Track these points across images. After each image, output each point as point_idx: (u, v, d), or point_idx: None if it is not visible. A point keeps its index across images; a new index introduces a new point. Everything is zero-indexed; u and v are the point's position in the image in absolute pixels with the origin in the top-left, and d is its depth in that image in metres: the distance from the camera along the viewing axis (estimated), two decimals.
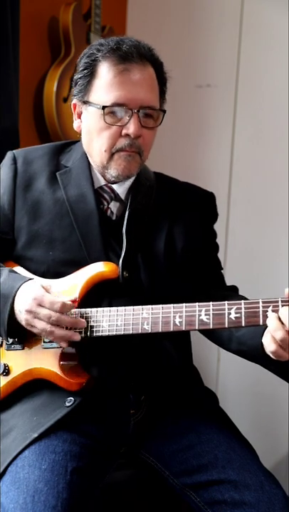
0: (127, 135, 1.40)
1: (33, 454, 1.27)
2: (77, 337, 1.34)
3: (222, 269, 1.63)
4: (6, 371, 1.43)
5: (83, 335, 1.36)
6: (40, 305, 1.33)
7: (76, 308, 1.39)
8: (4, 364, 1.43)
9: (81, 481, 1.26)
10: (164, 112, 1.45)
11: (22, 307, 1.34)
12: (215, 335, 1.50)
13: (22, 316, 1.35)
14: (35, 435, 1.29)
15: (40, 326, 1.33)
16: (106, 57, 1.40)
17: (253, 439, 1.49)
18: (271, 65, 2.57)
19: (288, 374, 1.36)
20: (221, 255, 1.66)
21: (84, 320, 1.35)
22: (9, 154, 1.53)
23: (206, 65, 2.67)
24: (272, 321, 1.21)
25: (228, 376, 2.63)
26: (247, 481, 1.32)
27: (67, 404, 1.34)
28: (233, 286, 1.59)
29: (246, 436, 1.48)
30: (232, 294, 1.54)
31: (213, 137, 2.69)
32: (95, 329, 1.36)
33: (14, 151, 1.54)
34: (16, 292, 1.36)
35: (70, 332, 1.34)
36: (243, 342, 1.40)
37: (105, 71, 1.40)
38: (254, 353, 1.35)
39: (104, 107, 1.38)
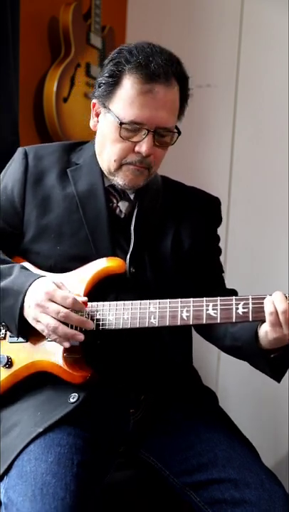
0: (139, 152, 1.40)
1: (38, 447, 1.27)
2: (80, 337, 1.32)
3: (223, 272, 1.63)
4: (9, 363, 1.42)
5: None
6: (50, 300, 1.32)
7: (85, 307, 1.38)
8: (7, 356, 1.43)
9: (86, 475, 1.26)
10: (179, 133, 1.44)
11: (32, 301, 1.34)
12: (211, 331, 1.50)
13: (30, 311, 1.34)
14: (40, 430, 1.30)
15: (46, 320, 1.32)
16: (132, 73, 1.38)
17: (252, 439, 1.49)
18: (271, 65, 2.57)
19: (278, 372, 1.38)
20: (221, 255, 1.66)
21: (92, 322, 1.34)
22: (20, 149, 1.53)
23: (206, 65, 2.67)
24: (275, 294, 1.25)
25: (227, 376, 2.63)
26: (247, 479, 1.32)
27: (72, 400, 1.34)
28: (233, 289, 1.60)
29: (246, 436, 1.48)
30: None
31: (213, 137, 2.70)
32: (101, 322, 1.35)
33: (25, 147, 1.54)
34: (28, 288, 1.36)
35: (74, 331, 1.32)
36: (237, 337, 1.41)
37: (129, 86, 1.38)
38: (247, 348, 1.36)
39: (121, 123, 1.38)
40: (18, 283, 1.38)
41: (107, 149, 1.45)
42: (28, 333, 1.40)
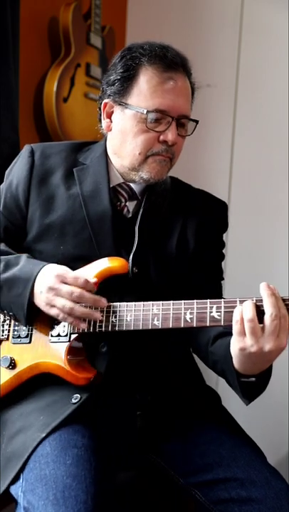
0: (165, 141, 1.41)
1: (55, 449, 1.26)
2: (97, 315, 1.32)
3: (223, 279, 1.62)
4: (12, 365, 1.42)
5: (92, 329, 1.35)
6: (63, 281, 1.33)
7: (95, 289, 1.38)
8: (10, 357, 1.42)
9: (102, 476, 1.26)
10: (197, 122, 1.46)
11: (43, 286, 1.33)
12: (194, 342, 1.50)
13: (42, 296, 1.34)
14: (43, 435, 1.28)
15: (60, 303, 1.32)
16: (152, 63, 1.40)
17: (253, 438, 1.49)
18: (271, 65, 2.57)
19: (249, 395, 1.33)
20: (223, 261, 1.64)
21: (105, 299, 1.33)
22: (27, 147, 1.53)
23: (206, 65, 2.67)
24: (246, 303, 1.21)
25: None
26: (253, 477, 1.32)
27: (74, 401, 1.33)
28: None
29: None
30: None
31: (213, 137, 2.70)
32: (103, 324, 1.34)
33: (32, 144, 1.54)
34: (37, 275, 1.36)
35: (91, 310, 1.32)
36: (214, 352, 1.41)
37: (149, 76, 1.40)
38: (223, 363, 1.35)
39: (148, 112, 1.39)
40: (25, 271, 1.38)
41: (128, 145, 1.44)
42: (35, 323, 1.40)
